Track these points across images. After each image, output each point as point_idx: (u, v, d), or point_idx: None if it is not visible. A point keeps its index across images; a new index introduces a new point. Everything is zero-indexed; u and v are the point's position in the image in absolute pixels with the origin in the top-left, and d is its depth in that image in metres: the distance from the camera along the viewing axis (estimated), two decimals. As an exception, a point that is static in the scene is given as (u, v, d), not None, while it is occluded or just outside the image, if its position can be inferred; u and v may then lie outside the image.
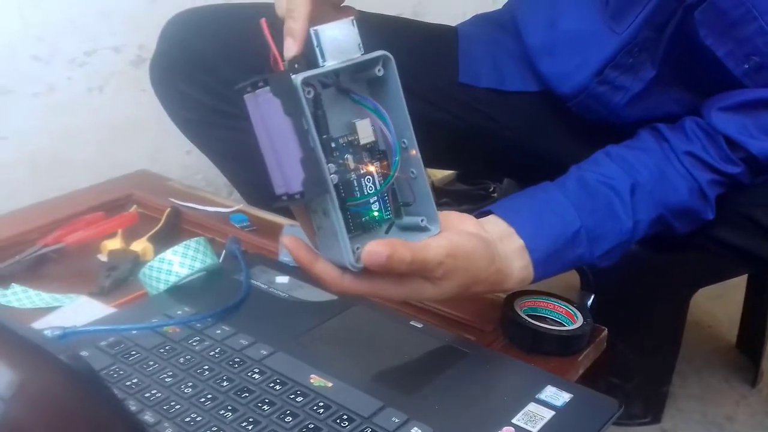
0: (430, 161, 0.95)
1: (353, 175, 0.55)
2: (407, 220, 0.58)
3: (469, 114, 0.95)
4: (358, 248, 0.54)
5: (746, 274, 1.21)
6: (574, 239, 0.69)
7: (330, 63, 0.53)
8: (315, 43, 0.53)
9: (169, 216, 0.90)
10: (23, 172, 1.19)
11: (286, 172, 0.52)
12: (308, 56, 0.53)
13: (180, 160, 1.36)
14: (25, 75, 1.16)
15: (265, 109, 0.52)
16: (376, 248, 0.53)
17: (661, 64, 0.80)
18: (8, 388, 0.46)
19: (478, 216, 0.68)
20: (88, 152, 1.25)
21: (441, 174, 1.58)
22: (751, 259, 0.80)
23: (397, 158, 0.56)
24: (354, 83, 0.56)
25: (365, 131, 0.56)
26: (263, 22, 0.54)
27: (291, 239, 0.55)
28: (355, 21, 0.54)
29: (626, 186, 0.72)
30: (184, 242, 0.75)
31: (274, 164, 0.53)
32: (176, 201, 0.94)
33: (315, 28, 0.53)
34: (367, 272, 0.55)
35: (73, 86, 1.22)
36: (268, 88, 0.51)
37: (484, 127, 0.95)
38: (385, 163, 0.57)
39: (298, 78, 0.51)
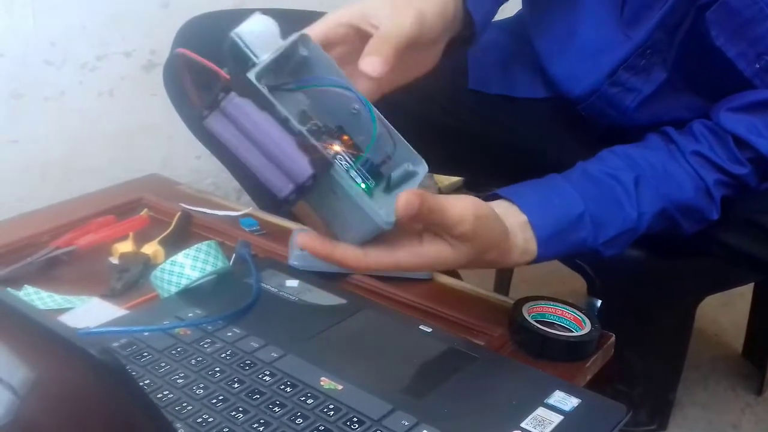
0: (438, 167, 0.96)
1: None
2: (396, 173, 0.58)
3: (478, 121, 0.95)
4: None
5: (752, 283, 1.21)
6: (578, 222, 0.70)
7: (264, 56, 0.53)
8: (241, 44, 0.53)
9: (180, 219, 0.90)
10: (35, 176, 1.20)
11: (287, 165, 0.51)
12: (237, 59, 0.54)
13: (190, 164, 1.37)
14: (38, 79, 1.17)
15: (237, 117, 0.52)
16: (410, 197, 0.52)
17: (672, 66, 0.81)
18: (23, 385, 0.47)
19: (486, 200, 0.68)
20: (98, 156, 1.26)
21: (448, 180, 1.58)
22: (760, 266, 0.81)
23: (373, 116, 0.56)
24: (278, 76, 0.56)
25: (315, 115, 0.57)
26: (185, 51, 0.55)
27: (303, 236, 0.56)
28: (260, 12, 0.55)
29: (630, 178, 0.73)
30: (196, 245, 0.75)
31: (271, 168, 0.52)
32: (186, 205, 0.95)
33: (234, 31, 0.54)
34: (388, 244, 0.56)
35: (84, 91, 1.23)
36: (231, 96, 0.51)
37: (493, 134, 0.96)
38: (345, 137, 0.57)
39: (251, 74, 0.52)
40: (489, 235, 0.61)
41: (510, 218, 0.67)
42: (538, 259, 0.69)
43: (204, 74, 0.54)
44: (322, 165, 0.51)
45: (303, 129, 0.51)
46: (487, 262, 0.64)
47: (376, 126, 0.56)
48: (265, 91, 0.51)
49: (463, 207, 0.57)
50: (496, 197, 0.70)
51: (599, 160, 0.75)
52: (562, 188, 0.71)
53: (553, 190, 0.71)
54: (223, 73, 0.53)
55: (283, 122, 0.51)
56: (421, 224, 0.57)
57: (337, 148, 0.55)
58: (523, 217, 0.68)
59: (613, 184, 0.72)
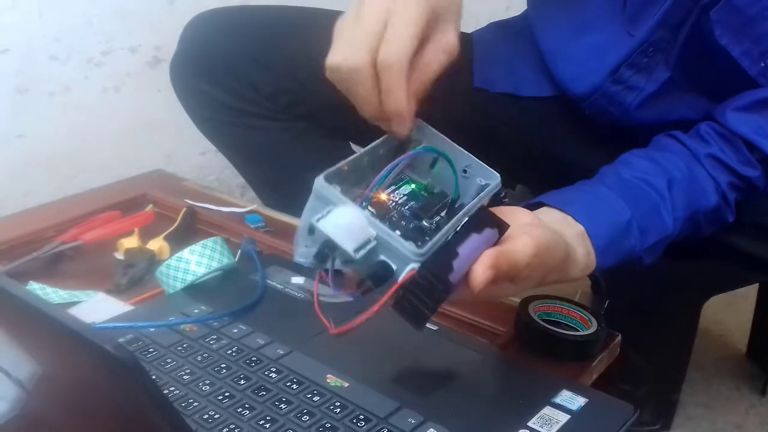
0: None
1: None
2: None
3: (482, 119, 0.95)
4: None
5: (757, 283, 1.21)
6: (628, 229, 0.68)
7: (355, 247, 0.51)
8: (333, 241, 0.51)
9: (185, 216, 0.90)
10: (40, 171, 1.20)
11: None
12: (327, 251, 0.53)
13: (194, 161, 1.37)
14: (43, 74, 1.18)
15: None
16: (485, 270, 0.53)
17: (675, 65, 0.81)
18: (31, 378, 0.47)
19: (529, 209, 0.67)
20: (103, 152, 1.26)
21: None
22: None
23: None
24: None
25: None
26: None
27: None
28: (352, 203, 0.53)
29: (663, 182, 0.71)
30: (201, 242, 0.75)
31: None
32: (191, 201, 0.95)
33: (316, 225, 0.52)
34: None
35: (89, 86, 1.23)
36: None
37: (497, 132, 0.95)
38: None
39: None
40: (551, 263, 0.60)
41: (567, 230, 0.65)
42: (597, 269, 0.67)
43: None
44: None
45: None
46: (547, 284, 0.63)
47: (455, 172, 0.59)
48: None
49: (525, 252, 0.56)
50: (540, 205, 0.69)
51: (627, 164, 0.74)
52: (605, 195, 0.70)
53: (596, 196, 0.70)
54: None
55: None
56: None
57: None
58: (580, 228, 0.66)
59: (648, 189, 0.71)
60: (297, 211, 0.93)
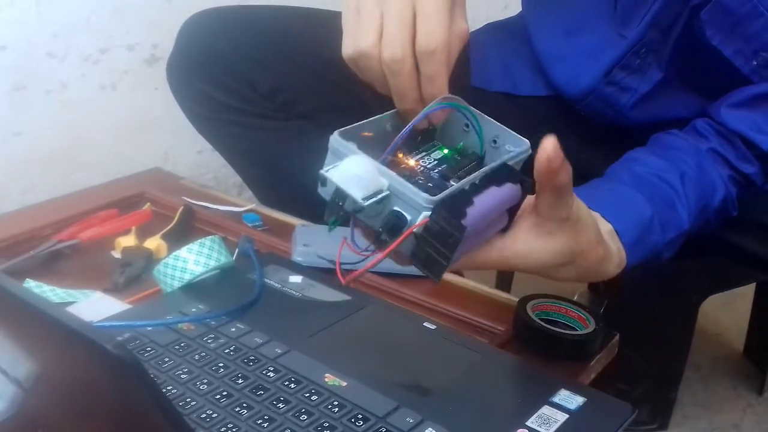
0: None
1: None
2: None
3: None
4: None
5: (754, 283, 1.21)
6: (650, 225, 0.67)
7: (365, 195, 0.49)
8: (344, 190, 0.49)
9: (183, 214, 0.90)
10: (37, 168, 1.20)
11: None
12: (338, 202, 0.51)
13: (191, 159, 1.37)
14: (40, 72, 1.17)
15: None
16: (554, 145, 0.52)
17: (668, 66, 0.81)
18: (28, 377, 0.47)
19: None
20: (100, 149, 1.26)
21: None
22: None
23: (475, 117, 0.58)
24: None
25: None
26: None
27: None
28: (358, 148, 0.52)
29: (676, 178, 0.70)
30: (199, 240, 0.75)
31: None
32: (189, 200, 0.94)
33: (326, 175, 0.50)
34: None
35: (86, 84, 1.23)
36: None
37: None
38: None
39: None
40: (583, 234, 0.58)
41: (600, 226, 0.63)
42: (627, 267, 0.65)
43: None
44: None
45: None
46: (584, 268, 0.60)
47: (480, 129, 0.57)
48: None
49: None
50: None
51: (637, 161, 0.73)
52: (626, 193, 0.68)
53: (618, 195, 0.68)
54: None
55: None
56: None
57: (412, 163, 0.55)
58: (609, 226, 0.64)
59: (663, 185, 0.70)
60: (294, 210, 0.94)
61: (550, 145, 0.51)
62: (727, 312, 1.39)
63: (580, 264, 0.59)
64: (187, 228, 0.90)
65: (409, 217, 0.49)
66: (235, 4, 1.02)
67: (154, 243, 0.84)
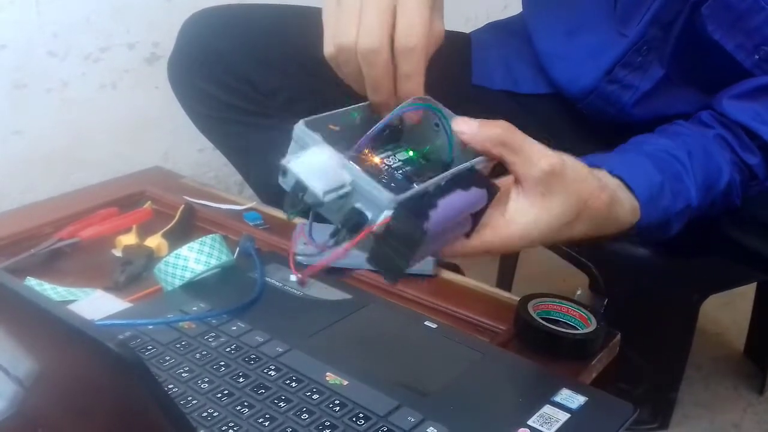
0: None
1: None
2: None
3: (482, 116, 0.95)
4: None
5: (755, 282, 1.21)
6: (661, 190, 0.66)
7: (326, 189, 0.49)
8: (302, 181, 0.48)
9: (183, 213, 0.90)
10: (38, 167, 1.20)
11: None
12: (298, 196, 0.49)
13: (192, 158, 1.37)
14: (40, 70, 1.17)
15: None
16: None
17: (669, 62, 0.81)
18: (29, 376, 0.47)
19: None
20: (101, 148, 1.26)
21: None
22: None
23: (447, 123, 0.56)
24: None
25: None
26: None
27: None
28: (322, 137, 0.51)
29: (684, 154, 0.69)
30: (200, 239, 0.75)
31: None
32: (190, 198, 0.94)
33: (287, 166, 0.49)
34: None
35: (87, 82, 1.22)
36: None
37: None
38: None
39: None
40: (582, 186, 0.56)
41: (603, 177, 0.61)
42: (641, 223, 0.63)
43: None
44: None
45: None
46: (594, 219, 0.58)
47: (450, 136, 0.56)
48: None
49: (544, 150, 0.53)
50: None
51: (644, 142, 0.72)
52: (633, 158, 0.67)
53: (625, 158, 0.67)
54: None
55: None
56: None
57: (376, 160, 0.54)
58: (615, 180, 0.62)
59: (671, 159, 0.69)
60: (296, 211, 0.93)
61: (457, 126, 0.53)
62: (727, 312, 1.38)
63: (589, 215, 0.58)
64: (187, 226, 0.90)
65: (369, 215, 0.48)
66: (236, 2, 1.02)
67: (154, 241, 0.84)
